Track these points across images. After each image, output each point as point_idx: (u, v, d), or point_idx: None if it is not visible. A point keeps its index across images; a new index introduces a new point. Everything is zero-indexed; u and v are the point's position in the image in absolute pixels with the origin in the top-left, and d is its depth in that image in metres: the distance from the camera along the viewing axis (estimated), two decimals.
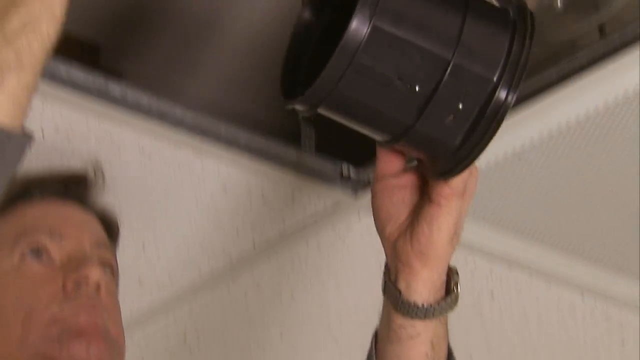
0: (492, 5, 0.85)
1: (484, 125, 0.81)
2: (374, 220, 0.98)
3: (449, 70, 0.80)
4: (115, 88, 1.25)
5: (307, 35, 0.89)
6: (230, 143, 1.34)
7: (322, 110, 0.84)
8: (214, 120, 1.33)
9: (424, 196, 0.92)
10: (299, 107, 0.84)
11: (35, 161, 1.16)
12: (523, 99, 1.24)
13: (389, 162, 0.95)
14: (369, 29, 0.77)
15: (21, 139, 0.77)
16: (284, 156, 1.38)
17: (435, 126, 0.82)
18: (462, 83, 0.81)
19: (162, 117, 1.29)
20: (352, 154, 1.42)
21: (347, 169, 1.41)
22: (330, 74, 0.79)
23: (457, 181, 0.88)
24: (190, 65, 1.89)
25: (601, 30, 1.19)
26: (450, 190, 0.88)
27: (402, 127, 0.83)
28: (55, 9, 0.79)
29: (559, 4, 1.17)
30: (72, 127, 1.27)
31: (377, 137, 0.88)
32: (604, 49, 1.18)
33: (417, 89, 0.80)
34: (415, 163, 0.95)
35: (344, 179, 1.42)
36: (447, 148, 0.84)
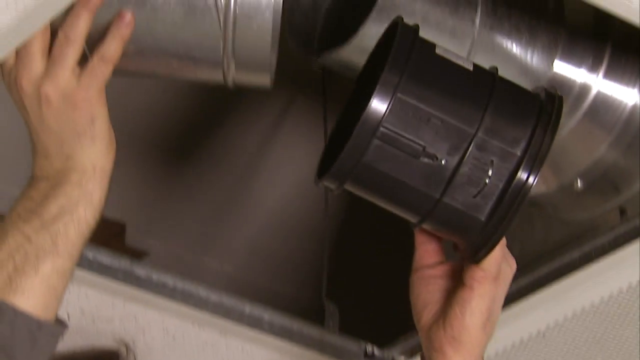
0: (523, 89, 0.87)
1: (508, 200, 0.81)
2: (412, 309, 0.96)
3: (473, 144, 0.81)
4: (141, 270, 1.26)
5: (347, 125, 0.89)
6: (254, 322, 1.35)
7: (349, 186, 0.84)
8: (237, 300, 1.34)
9: (458, 282, 0.92)
10: (327, 184, 0.85)
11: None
12: (547, 280, 1.24)
13: (426, 254, 0.95)
14: (392, 100, 0.78)
15: (53, 329, 0.77)
16: (307, 335, 1.38)
17: (462, 200, 0.82)
18: (486, 157, 0.81)
19: (186, 297, 1.30)
20: (376, 334, 1.41)
21: (372, 348, 1.40)
22: (356, 145, 0.80)
23: (490, 263, 0.88)
24: (214, 242, 1.91)
25: (622, 211, 1.20)
26: (483, 273, 0.88)
27: (429, 201, 0.83)
28: (94, 196, 0.81)
29: (579, 184, 1.17)
30: (97, 309, 1.27)
31: (406, 215, 0.88)
32: (625, 230, 1.19)
33: (443, 162, 0.81)
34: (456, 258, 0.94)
35: (368, 359, 1.41)
36: (475, 224, 0.83)
